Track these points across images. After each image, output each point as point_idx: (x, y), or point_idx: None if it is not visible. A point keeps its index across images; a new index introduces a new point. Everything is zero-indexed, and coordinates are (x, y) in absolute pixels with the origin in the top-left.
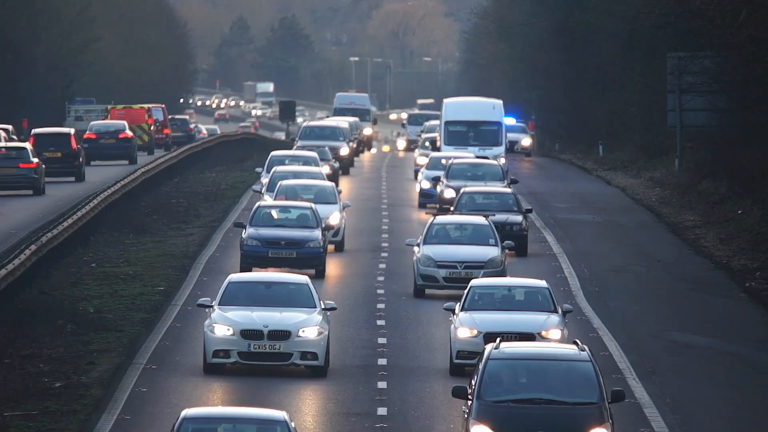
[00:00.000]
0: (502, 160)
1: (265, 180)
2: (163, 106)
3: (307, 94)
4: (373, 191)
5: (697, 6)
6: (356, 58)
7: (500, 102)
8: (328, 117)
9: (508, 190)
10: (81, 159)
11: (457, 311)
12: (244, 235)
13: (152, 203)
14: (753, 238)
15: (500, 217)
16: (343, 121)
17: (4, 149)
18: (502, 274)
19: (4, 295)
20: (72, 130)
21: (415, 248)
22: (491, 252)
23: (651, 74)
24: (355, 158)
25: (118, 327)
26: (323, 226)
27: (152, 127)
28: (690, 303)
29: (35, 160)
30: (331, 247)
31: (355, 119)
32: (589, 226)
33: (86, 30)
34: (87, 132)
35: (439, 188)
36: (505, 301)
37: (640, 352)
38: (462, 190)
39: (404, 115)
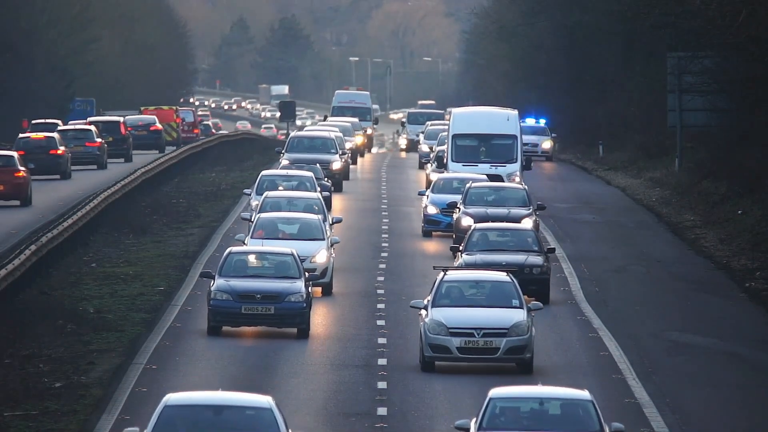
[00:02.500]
0: (517, 179)
1: (255, 203)
2: (194, 109)
3: (307, 95)
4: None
5: (697, 6)
6: (356, 58)
7: (515, 112)
8: (327, 117)
9: (527, 226)
10: (129, 143)
11: (472, 431)
12: (212, 287)
13: (152, 203)
14: (753, 238)
15: (518, 258)
16: (334, 129)
17: (73, 130)
18: (529, 343)
19: (4, 295)
20: (122, 119)
21: (422, 311)
22: (515, 316)
23: (651, 74)
24: (353, 164)
25: (118, 327)
26: (307, 276)
27: (180, 126)
28: (690, 303)
29: (99, 140)
30: (317, 290)
31: (355, 119)
32: (589, 226)
33: (86, 30)
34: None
35: (455, 215)
36: (536, 418)
37: (640, 352)
38: (472, 227)
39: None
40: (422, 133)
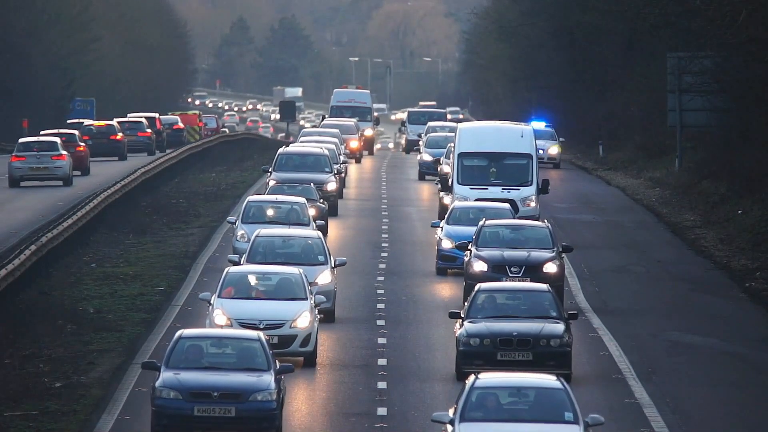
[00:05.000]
0: (532, 204)
1: (240, 232)
2: (216, 116)
3: (307, 94)
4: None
5: (697, 6)
6: (356, 59)
7: (530, 128)
8: (324, 118)
9: (544, 287)
10: (163, 137)
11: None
12: (157, 383)
13: (152, 203)
14: (753, 238)
15: (532, 326)
16: (328, 140)
17: (127, 122)
18: None
19: (4, 295)
20: (156, 115)
21: (447, 427)
22: None
23: (651, 74)
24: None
25: (118, 327)
26: (277, 368)
27: (202, 129)
28: (690, 303)
29: (149, 130)
30: (299, 360)
31: (353, 121)
32: (589, 226)
33: (86, 30)
34: None
35: (466, 257)
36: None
37: (640, 352)
38: (477, 287)
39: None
40: (423, 135)
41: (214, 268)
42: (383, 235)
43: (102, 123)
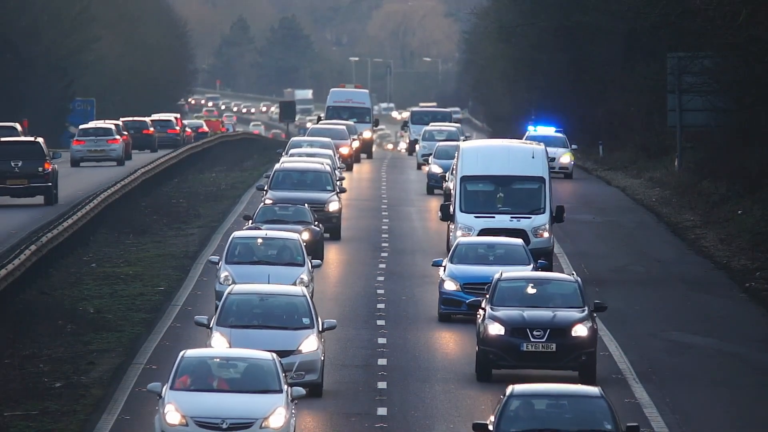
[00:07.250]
0: (545, 234)
1: (224, 274)
2: (235, 118)
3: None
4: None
5: (697, 6)
6: (356, 59)
7: (542, 148)
8: (321, 119)
9: (596, 391)
10: (182, 136)
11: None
12: None
13: (152, 203)
14: (753, 238)
15: None
16: (325, 151)
17: (158, 120)
18: None
19: (4, 295)
20: (178, 115)
21: None
22: None
23: (651, 74)
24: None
25: (118, 327)
26: None
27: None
28: (690, 303)
29: (177, 128)
30: None
31: (344, 125)
32: (589, 226)
33: (86, 30)
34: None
35: (479, 317)
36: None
37: (640, 352)
38: (509, 390)
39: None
40: (419, 139)
41: (213, 268)
42: (383, 235)
43: (135, 119)
